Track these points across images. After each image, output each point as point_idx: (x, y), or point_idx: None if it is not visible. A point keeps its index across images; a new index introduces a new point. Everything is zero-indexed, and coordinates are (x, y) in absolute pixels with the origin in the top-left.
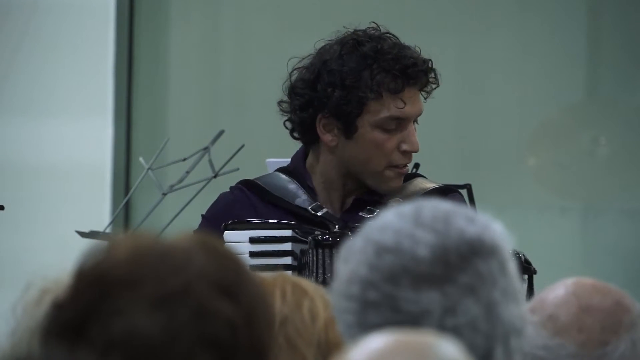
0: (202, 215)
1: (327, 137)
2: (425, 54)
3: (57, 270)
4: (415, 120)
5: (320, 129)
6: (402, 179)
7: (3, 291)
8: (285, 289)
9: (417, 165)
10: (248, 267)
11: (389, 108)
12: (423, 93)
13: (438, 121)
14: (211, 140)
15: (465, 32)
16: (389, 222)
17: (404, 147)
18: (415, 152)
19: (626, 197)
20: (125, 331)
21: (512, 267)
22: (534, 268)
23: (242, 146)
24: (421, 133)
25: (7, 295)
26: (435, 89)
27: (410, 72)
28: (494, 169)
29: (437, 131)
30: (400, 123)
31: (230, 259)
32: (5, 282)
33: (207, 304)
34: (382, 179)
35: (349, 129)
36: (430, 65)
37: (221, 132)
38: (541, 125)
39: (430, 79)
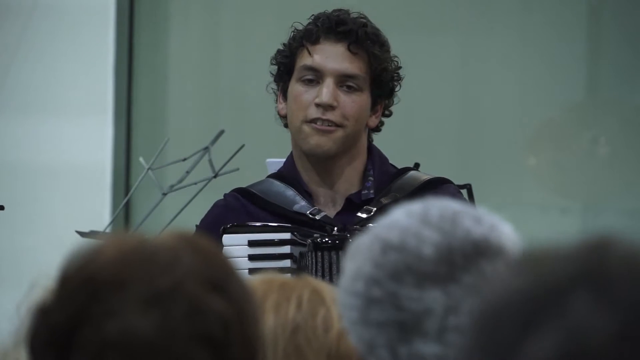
0: (196, 226)
1: (279, 106)
2: (426, 54)
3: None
4: (348, 85)
5: (278, 100)
6: (326, 139)
7: (3, 291)
8: (302, 296)
9: (417, 165)
10: (235, 265)
11: (304, 57)
12: (356, 52)
13: (438, 120)
14: (211, 140)
15: (466, 32)
16: (397, 220)
17: (316, 100)
18: (324, 103)
19: (626, 197)
20: (119, 332)
21: None
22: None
23: (242, 146)
24: (422, 132)
25: (7, 295)
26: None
27: (326, 23)
28: (494, 169)
29: (437, 130)
30: (317, 75)
31: (216, 256)
32: (5, 282)
33: (199, 301)
34: (302, 135)
35: (285, 90)
36: (359, 27)
37: (221, 132)
38: (541, 125)
39: (364, 39)
